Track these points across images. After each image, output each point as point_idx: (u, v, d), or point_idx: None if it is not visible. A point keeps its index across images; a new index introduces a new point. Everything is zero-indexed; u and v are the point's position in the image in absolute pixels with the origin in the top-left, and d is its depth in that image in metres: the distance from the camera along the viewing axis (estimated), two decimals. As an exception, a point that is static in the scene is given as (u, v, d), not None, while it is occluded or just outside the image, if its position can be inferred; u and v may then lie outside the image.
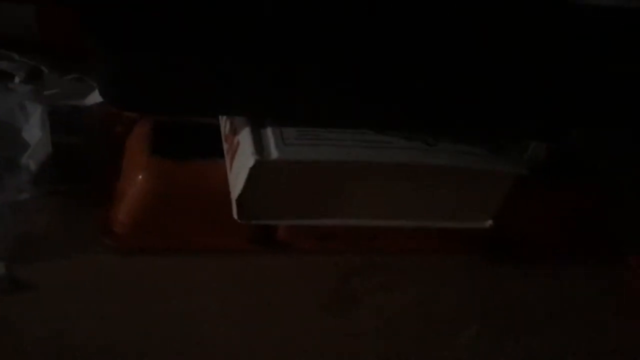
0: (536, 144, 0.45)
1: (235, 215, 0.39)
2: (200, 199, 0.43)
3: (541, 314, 0.46)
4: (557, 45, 0.42)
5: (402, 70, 0.38)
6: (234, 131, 0.40)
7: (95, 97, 0.54)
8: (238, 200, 0.38)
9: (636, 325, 0.46)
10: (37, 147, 0.43)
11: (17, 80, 0.52)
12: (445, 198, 0.42)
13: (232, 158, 0.39)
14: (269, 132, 0.38)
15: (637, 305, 0.48)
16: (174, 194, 0.43)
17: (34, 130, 0.44)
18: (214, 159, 0.43)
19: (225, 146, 0.42)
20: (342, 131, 0.39)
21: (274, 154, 0.37)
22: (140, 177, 0.42)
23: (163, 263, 0.44)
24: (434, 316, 0.45)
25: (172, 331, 0.40)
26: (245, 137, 0.38)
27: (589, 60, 0.41)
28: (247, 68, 0.36)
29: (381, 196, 0.41)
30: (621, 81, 0.40)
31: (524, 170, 0.41)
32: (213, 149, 0.43)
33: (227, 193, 0.41)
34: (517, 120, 0.42)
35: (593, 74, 0.41)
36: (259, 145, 0.37)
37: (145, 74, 0.34)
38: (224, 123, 0.43)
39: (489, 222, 0.43)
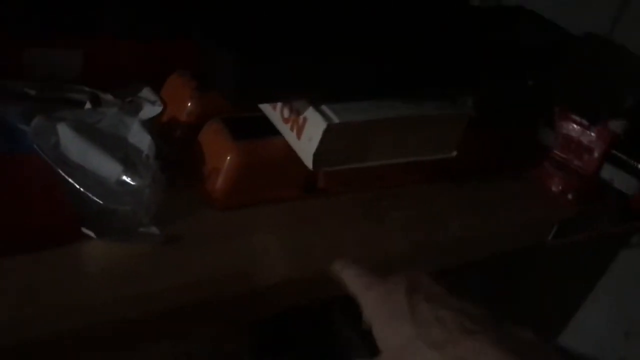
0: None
1: (310, 167, 0.59)
2: (269, 164, 0.63)
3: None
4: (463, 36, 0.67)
5: (392, 59, 0.61)
6: (297, 112, 0.60)
7: (146, 113, 0.70)
8: (315, 155, 0.58)
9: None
10: (150, 147, 0.59)
11: (88, 105, 0.67)
12: (426, 138, 0.65)
13: (300, 130, 0.59)
14: (325, 108, 0.59)
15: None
16: (252, 164, 0.62)
17: (141, 135, 0.60)
18: (273, 136, 0.63)
19: (284, 126, 0.62)
20: (361, 102, 0.61)
21: (335, 119, 0.57)
22: (229, 156, 0.61)
23: (249, 212, 0.62)
24: (429, 220, 0.68)
25: (259, 258, 0.59)
26: (312, 113, 0.58)
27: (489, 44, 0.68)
28: (315, 68, 0.57)
29: (387, 143, 0.63)
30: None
31: (473, 112, 0.65)
32: (264, 131, 0.63)
33: (286, 159, 0.61)
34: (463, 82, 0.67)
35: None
36: (325, 116, 0.57)
37: (260, 78, 0.54)
38: (280, 110, 0.62)
39: (454, 152, 0.67)
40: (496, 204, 0.74)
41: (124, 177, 0.56)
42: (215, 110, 0.66)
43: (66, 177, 0.56)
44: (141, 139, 0.61)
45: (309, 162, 0.59)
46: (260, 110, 0.65)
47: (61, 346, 0.47)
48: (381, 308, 0.39)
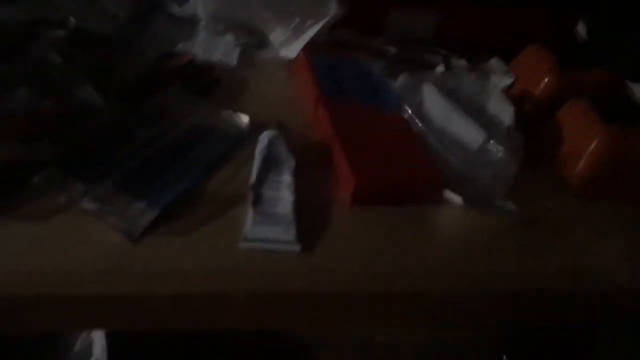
0: None
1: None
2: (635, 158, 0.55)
3: None
4: None
5: None
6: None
7: (496, 83, 0.67)
8: None
9: None
10: (513, 119, 0.56)
11: (440, 68, 0.67)
12: None
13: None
14: None
15: None
16: (621, 153, 0.55)
17: (502, 106, 0.58)
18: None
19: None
20: None
21: None
22: (596, 140, 0.55)
23: (605, 206, 0.56)
24: None
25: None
26: None
27: None
28: None
29: None
30: None
31: None
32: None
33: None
34: None
35: None
36: None
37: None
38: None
39: None
40: None
41: (488, 145, 0.54)
42: (573, 90, 0.61)
43: (429, 137, 0.55)
44: (502, 109, 0.58)
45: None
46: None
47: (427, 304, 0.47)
48: None
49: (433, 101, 0.58)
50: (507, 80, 0.67)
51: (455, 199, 0.51)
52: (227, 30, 0.67)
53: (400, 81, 0.59)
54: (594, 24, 0.68)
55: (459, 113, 0.56)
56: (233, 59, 0.65)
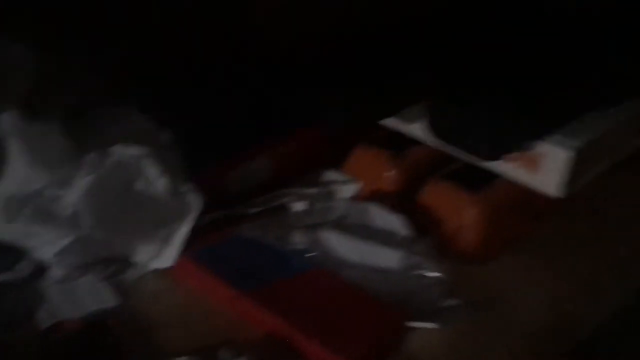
0: None
1: (560, 194, 0.61)
2: (507, 206, 0.65)
3: None
4: None
5: None
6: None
7: (346, 193, 0.71)
8: (562, 182, 0.60)
9: None
10: (405, 224, 0.61)
11: (299, 207, 0.68)
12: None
13: (533, 165, 0.62)
14: (557, 138, 0.61)
15: None
16: (494, 211, 0.63)
17: (386, 216, 0.62)
18: (497, 180, 0.65)
19: (507, 166, 0.64)
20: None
21: (575, 142, 0.60)
22: (473, 210, 0.62)
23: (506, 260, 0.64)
24: None
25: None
26: (547, 147, 0.61)
27: None
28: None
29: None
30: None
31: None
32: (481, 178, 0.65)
33: (519, 196, 0.64)
34: None
35: None
36: (563, 145, 0.60)
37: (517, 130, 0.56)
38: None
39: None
40: None
41: (405, 261, 0.58)
42: (415, 174, 0.69)
43: (353, 278, 0.57)
44: (388, 220, 0.62)
45: (556, 191, 0.61)
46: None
47: None
48: None
49: (337, 244, 0.59)
50: (355, 187, 0.71)
51: (423, 324, 0.53)
52: (80, 274, 0.59)
53: (294, 240, 0.60)
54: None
55: (366, 243, 0.59)
56: (108, 299, 0.57)
